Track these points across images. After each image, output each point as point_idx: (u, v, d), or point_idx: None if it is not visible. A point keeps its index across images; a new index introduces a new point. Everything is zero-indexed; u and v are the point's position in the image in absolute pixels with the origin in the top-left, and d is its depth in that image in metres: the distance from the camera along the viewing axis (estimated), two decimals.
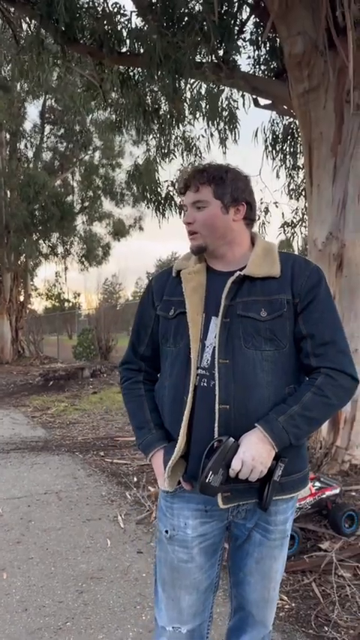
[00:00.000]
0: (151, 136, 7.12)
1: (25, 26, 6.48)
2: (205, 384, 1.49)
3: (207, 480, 1.39)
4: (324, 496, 3.38)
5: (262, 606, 1.63)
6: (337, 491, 3.44)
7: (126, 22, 5.80)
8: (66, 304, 37.83)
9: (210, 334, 1.51)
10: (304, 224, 7.79)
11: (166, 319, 1.59)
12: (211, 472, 1.39)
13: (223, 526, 1.57)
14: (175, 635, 1.56)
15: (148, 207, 7.39)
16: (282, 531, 1.57)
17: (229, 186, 1.54)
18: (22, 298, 20.89)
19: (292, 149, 7.22)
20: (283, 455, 1.44)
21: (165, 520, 1.59)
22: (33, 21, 5.99)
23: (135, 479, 4.84)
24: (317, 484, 3.44)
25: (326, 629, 2.47)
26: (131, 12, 5.79)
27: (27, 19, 6.13)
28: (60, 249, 21.25)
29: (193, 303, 1.53)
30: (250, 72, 6.30)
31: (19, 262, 20.31)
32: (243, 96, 6.21)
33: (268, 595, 1.62)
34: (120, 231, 21.46)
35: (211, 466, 1.39)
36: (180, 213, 6.99)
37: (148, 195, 7.33)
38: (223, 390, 1.45)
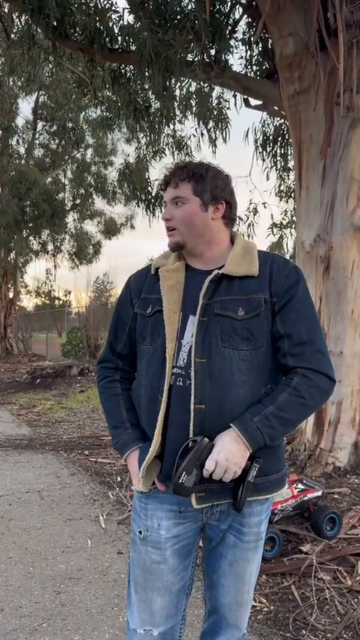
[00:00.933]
0: (141, 135, 7.10)
1: (16, 20, 6.43)
2: (180, 384, 1.47)
3: (180, 481, 1.37)
4: (306, 498, 3.37)
5: (236, 609, 1.61)
6: (319, 493, 3.43)
7: (118, 19, 5.79)
8: (56, 302, 37.69)
9: (187, 333, 1.50)
10: (293, 225, 7.81)
11: (144, 317, 1.57)
12: (184, 472, 1.37)
13: (197, 527, 1.55)
14: (146, 638, 1.54)
15: (139, 206, 7.38)
16: (256, 533, 1.55)
17: (208, 184, 1.53)
18: (11, 295, 20.77)
19: (282, 150, 7.23)
20: (257, 455, 1.42)
21: (139, 521, 1.57)
22: (24, 15, 5.94)
23: (118, 478, 4.81)
24: (300, 486, 3.42)
25: (304, 632, 2.45)
26: (123, 9, 5.78)
27: (18, 13, 6.07)
28: (50, 247, 21.17)
29: (169, 301, 1.51)
30: (242, 72, 6.30)
31: (8, 259, 20.20)
32: (234, 96, 6.21)
33: (241, 598, 1.60)
34: (111, 229, 21.42)
35: (184, 466, 1.37)
36: None
37: (139, 194, 7.31)
38: (198, 389, 1.43)
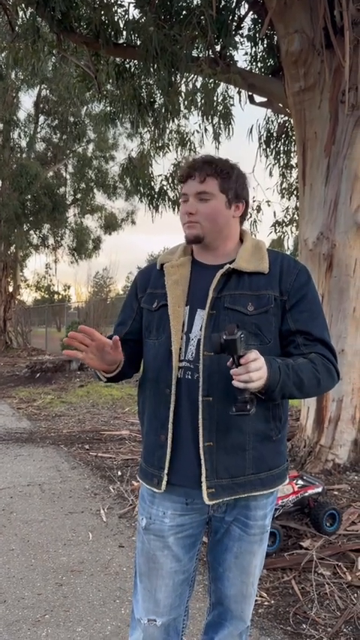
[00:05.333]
0: (145, 130, 7.08)
1: (20, 13, 6.40)
2: (189, 377, 1.49)
3: (231, 337, 1.26)
4: (306, 494, 3.39)
5: (241, 601, 1.63)
6: (319, 489, 3.46)
7: (123, 13, 5.78)
8: (55, 296, 37.63)
9: (195, 327, 1.51)
10: (295, 223, 7.81)
11: (150, 312, 1.60)
12: (238, 336, 1.26)
13: (202, 520, 1.57)
14: (149, 629, 1.56)
15: (141, 201, 7.37)
16: (261, 526, 1.57)
17: (234, 183, 1.55)
18: (11, 289, 20.75)
19: (286, 148, 7.23)
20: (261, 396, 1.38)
21: (144, 508, 1.59)
22: (29, 8, 5.92)
23: (119, 473, 4.83)
24: (300, 482, 3.45)
25: (304, 626, 2.48)
26: (129, 3, 5.76)
27: (23, 5, 6.05)
28: (51, 241, 21.15)
29: (174, 296, 1.54)
30: (247, 68, 6.29)
31: (8, 252, 20.16)
32: (239, 92, 6.20)
33: (246, 590, 1.62)
34: (112, 224, 21.39)
35: (231, 333, 1.27)
36: (174, 209, 6.97)
37: (142, 189, 7.29)
38: (206, 382, 1.45)
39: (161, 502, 1.55)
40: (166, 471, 1.49)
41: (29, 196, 17.77)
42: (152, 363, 1.57)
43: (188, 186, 1.56)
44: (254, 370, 1.28)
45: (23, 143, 19.20)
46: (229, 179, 1.53)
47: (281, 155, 7.26)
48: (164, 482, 1.50)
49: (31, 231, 20.27)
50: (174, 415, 1.49)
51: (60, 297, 37.77)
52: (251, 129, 6.89)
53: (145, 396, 1.59)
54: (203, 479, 1.44)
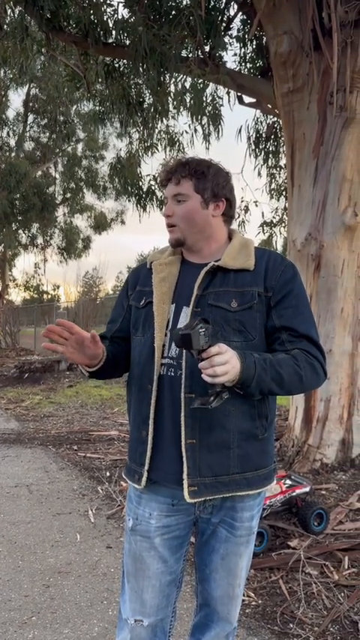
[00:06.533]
0: (134, 130, 7.08)
1: (9, 11, 6.36)
2: (172, 374, 1.49)
3: (185, 332, 1.26)
4: (294, 494, 3.41)
5: (227, 603, 1.63)
6: (307, 489, 3.47)
7: (112, 13, 5.77)
8: (44, 296, 37.45)
9: (180, 324, 1.51)
10: (283, 224, 7.84)
11: (137, 309, 1.61)
12: (192, 330, 1.25)
13: (189, 521, 1.57)
14: (137, 629, 1.55)
15: (129, 201, 7.36)
16: (248, 528, 1.57)
17: (210, 182, 1.54)
18: None
19: (274, 148, 7.26)
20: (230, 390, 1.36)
21: (131, 509, 1.59)
22: (17, 7, 5.89)
23: (107, 473, 4.81)
24: (288, 482, 3.46)
25: (291, 625, 2.48)
26: (118, 2, 5.78)
27: (11, 4, 6.02)
28: (40, 240, 21.05)
29: (160, 293, 1.54)
30: (236, 69, 6.30)
31: None
32: (228, 93, 6.22)
33: (232, 592, 1.62)
34: (101, 224, 21.37)
35: (195, 325, 1.26)
36: (161, 208, 6.97)
37: (130, 189, 7.29)
38: (188, 379, 1.45)
39: (147, 503, 1.54)
40: (146, 467, 1.49)
41: (18, 195, 17.69)
42: (137, 359, 1.57)
43: (167, 190, 1.57)
44: (218, 364, 1.26)
45: (12, 142, 19.16)
46: (204, 178, 1.53)
47: (270, 156, 7.29)
48: (144, 479, 1.49)
49: (20, 231, 20.18)
50: (156, 412, 1.49)
51: (49, 296, 37.61)
52: (240, 129, 6.91)
53: (131, 393, 1.60)
54: (185, 476, 1.44)
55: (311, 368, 1.46)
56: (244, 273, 1.51)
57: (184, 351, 1.45)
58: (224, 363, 1.27)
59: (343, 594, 2.73)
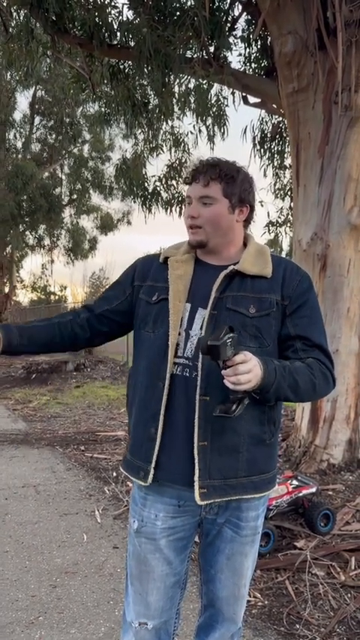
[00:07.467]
0: (139, 131, 7.09)
1: (14, 14, 6.40)
2: (187, 374, 1.49)
3: (213, 343, 1.25)
4: (301, 494, 3.40)
5: (232, 603, 1.64)
6: (313, 490, 3.46)
7: (117, 14, 5.77)
8: (52, 297, 37.53)
9: (195, 325, 1.51)
10: (289, 224, 7.83)
11: (148, 304, 1.59)
12: (219, 339, 1.24)
13: (194, 522, 1.57)
14: (141, 632, 1.56)
15: (135, 202, 7.38)
16: (253, 528, 1.57)
17: (238, 187, 1.53)
18: (7, 290, 20.73)
19: (280, 148, 7.24)
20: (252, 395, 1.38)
21: (136, 511, 1.58)
22: (23, 9, 5.91)
23: (114, 474, 4.83)
24: (294, 482, 3.45)
25: (298, 626, 2.48)
26: (123, 4, 5.78)
27: (17, 7, 6.04)
28: (47, 242, 21.14)
29: (176, 291, 1.53)
30: (241, 69, 6.29)
31: (4, 253, 20.15)
32: (233, 93, 6.22)
33: (238, 592, 1.63)
34: (108, 224, 21.40)
35: (222, 335, 1.25)
36: (166, 210, 6.98)
37: (136, 190, 7.30)
38: (204, 381, 1.45)
39: (153, 504, 1.54)
40: (153, 465, 1.49)
41: (25, 197, 17.77)
42: (146, 354, 1.56)
43: (192, 189, 1.55)
44: (242, 373, 1.28)
45: (19, 144, 19.25)
46: (234, 183, 1.52)
47: (275, 156, 7.28)
48: (151, 476, 1.49)
49: (27, 232, 20.26)
50: (166, 410, 1.49)
51: (56, 297, 37.67)
52: (245, 130, 6.90)
53: (136, 387, 1.58)
54: (196, 478, 1.44)
55: (324, 377, 1.50)
56: (260, 279, 1.51)
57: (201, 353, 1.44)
58: (248, 372, 1.29)
59: (349, 595, 2.73)
